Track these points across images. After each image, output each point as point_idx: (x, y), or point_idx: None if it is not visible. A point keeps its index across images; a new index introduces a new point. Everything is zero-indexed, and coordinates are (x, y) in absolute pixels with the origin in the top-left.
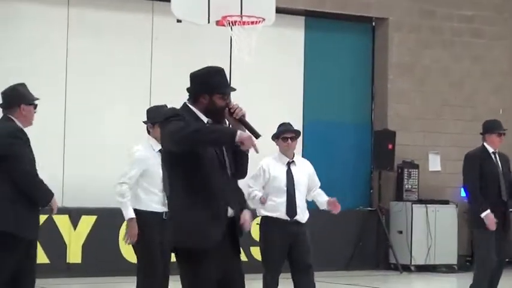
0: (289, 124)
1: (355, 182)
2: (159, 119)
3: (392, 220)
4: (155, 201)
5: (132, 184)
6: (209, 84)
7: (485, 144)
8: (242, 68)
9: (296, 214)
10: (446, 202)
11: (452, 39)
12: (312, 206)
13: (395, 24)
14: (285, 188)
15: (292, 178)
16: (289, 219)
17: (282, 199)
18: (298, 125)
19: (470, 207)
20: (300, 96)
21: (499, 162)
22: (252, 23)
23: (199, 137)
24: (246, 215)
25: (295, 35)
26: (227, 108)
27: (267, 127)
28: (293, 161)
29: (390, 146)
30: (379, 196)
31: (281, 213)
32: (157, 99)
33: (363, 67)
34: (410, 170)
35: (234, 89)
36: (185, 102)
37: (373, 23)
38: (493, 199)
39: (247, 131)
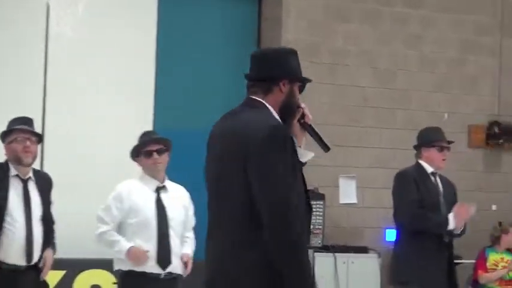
0: (152, 132)
1: None
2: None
3: None
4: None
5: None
6: (291, 66)
7: (420, 161)
8: (63, 49)
9: (170, 263)
10: (364, 250)
11: (380, 10)
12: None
13: None
14: (155, 224)
15: (164, 210)
16: (162, 272)
17: (150, 241)
18: None
19: (396, 252)
20: (151, 91)
21: (440, 188)
22: None
23: (298, 247)
24: None
25: (144, 3)
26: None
27: (95, 138)
28: (164, 185)
29: None
30: None
31: (149, 264)
32: None
33: (244, 50)
34: (312, 203)
35: (310, 80)
36: (254, 98)
37: None
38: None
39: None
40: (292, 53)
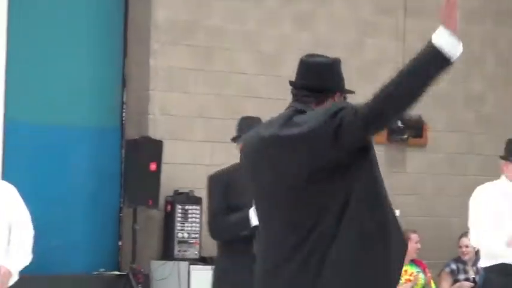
0: None
1: (92, 227)
2: None
3: None
4: None
5: None
6: (342, 78)
7: None
8: None
9: None
10: None
11: None
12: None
13: None
14: None
15: None
16: None
17: None
18: None
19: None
20: (1, 80)
21: None
22: None
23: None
24: None
25: None
26: None
27: None
28: None
29: (154, 166)
30: (134, 251)
31: None
32: None
33: (109, 30)
34: (187, 208)
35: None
36: (298, 108)
37: None
38: None
39: None
40: (340, 62)
